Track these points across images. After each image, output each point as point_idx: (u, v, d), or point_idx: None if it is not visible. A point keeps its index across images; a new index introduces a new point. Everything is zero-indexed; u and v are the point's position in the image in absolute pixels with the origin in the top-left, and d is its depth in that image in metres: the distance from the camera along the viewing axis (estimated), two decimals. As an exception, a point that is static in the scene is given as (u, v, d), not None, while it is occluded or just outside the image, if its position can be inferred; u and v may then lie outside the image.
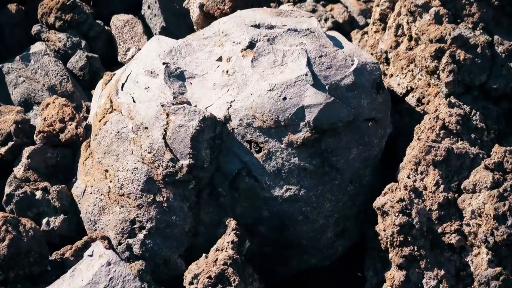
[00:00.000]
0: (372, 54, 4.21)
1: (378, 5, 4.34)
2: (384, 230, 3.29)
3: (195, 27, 4.54)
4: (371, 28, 4.39)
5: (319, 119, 3.37)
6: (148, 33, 4.95)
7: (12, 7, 4.87)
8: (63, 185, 3.72)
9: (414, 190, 3.31)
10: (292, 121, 3.39)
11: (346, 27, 4.92)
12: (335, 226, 3.55)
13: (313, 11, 4.98)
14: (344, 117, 3.42)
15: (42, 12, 4.85)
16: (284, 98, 3.40)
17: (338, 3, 5.21)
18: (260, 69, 3.50)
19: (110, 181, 3.51)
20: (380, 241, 3.33)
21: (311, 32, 3.64)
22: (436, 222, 3.24)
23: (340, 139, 3.44)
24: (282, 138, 3.39)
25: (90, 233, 3.55)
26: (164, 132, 3.39)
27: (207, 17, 4.36)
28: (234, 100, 3.45)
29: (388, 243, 3.28)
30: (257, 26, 3.67)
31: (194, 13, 4.48)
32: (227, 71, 3.55)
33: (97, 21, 4.94)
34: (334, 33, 3.88)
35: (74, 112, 3.91)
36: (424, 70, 3.74)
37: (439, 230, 3.22)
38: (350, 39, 4.57)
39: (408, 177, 3.35)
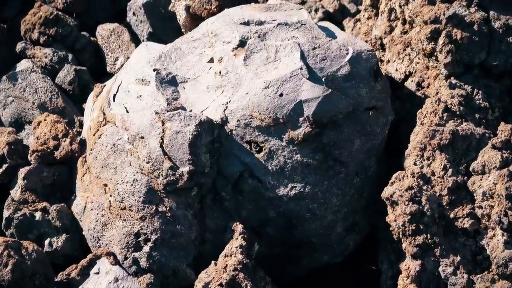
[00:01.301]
0: (366, 41, 4.19)
1: (369, -9, 4.30)
2: (395, 220, 3.28)
3: (183, 30, 4.52)
4: (363, 15, 4.37)
5: (318, 113, 3.35)
6: (136, 40, 4.93)
7: (-6, 26, 4.82)
8: (62, 204, 3.71)
9: (422, 176, 3.28)
10: (291, 117, 3.35)
11: (338, 16, 4.90)
12: (344, 220, 3.52)
13: (303, 2, 4.96)
14: (344, 108, 3.40)
15: (25, 29, 4.81)
16: (281, 95, 3.37)
17: (327, -8, 5.16)
18: (254, 67, 3.47)
19: (110, 195, 3.47)
20: (392, 232, 3.33)
21: (302, 24, 3.63)
22: (447, 207, 3.21)
23: (342, 131, 3.42)
24: (282, 136, 3.36)
25: (94, 250, 3.53)
26: (161, 140, 3.35)
27: (194, 19, 4.36)
28: (229, 101, 3.41)
29: (400, 233, 3.28)
30: (247, 23, 3.65)
31: (181, 16, 4.47)
32: (220, 72, 3.52)
33: (82, 32, 4.93)
34: (325, 24, 3.88)
35: (67, 128, 3.91)
36: (421, 53, 3.72)
37: (451, 215, 3.20)
38: (342, 28, 4.56)
39: (415, 164, 3.33)
